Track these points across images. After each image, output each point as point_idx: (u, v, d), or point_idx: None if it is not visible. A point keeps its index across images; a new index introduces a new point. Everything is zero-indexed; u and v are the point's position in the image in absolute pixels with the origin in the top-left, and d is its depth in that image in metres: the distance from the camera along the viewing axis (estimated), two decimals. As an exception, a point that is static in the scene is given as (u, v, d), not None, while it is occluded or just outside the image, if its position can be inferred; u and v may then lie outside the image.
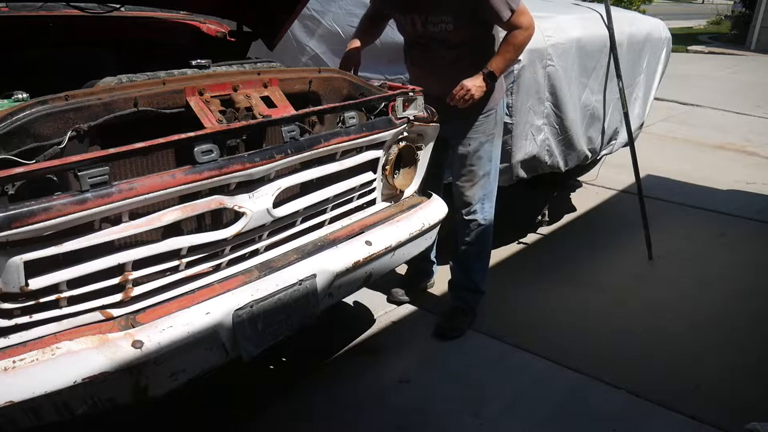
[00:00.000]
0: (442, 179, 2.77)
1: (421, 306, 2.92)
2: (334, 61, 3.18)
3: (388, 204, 2.23)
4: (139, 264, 1.49)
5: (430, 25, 2.36)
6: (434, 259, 3.00)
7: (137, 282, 1.52)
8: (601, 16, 3.32)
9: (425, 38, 2.43)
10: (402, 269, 2.98)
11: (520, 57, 2.65)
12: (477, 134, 2.55)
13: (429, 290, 3.06)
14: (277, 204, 1.73)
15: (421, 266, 2.96)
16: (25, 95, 1.61)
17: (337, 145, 1.86)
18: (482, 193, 2.63)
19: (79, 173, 1.30)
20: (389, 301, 2.94)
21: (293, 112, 1.78)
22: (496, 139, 2.62)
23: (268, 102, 1.79)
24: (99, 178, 1.32)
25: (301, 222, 1.89)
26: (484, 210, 2.65)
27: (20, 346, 1.33)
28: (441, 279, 3.02)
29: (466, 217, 2.66)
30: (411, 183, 2.28)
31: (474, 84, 2.35)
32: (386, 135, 2.04)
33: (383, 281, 2.94)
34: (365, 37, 2.63)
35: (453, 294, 2.84)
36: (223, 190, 1.60)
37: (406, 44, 2.60)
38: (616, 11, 3.49)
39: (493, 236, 2.76)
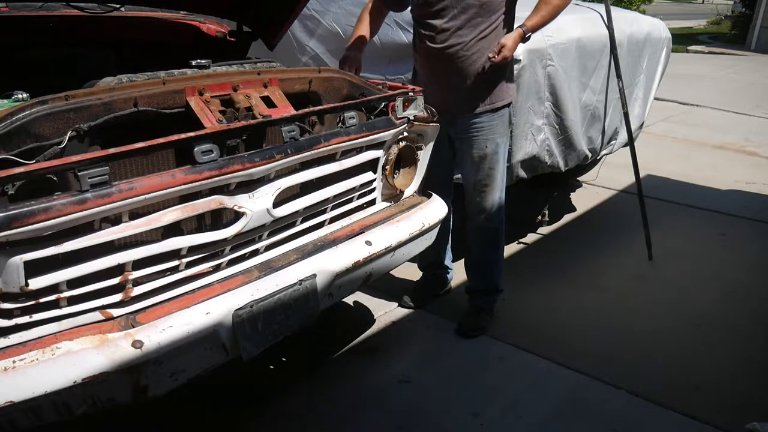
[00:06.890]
0: (452, 180, 2.71)
1: (421, 306, 2.92)
2: (334, 61, 3.18)
3: (388, 204, 2.23)
4: (139, 264, 1.50)
5: None
6: (450, 265, 2.95)
7: (137, 282, 1.52)
8: (601, 16, 3.31)
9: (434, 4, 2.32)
10: (415, 275, 2.98)
11: (520, 56, 2.66)
12: (494, 134, 2.47)
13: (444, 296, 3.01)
14: (277, 204, 1.73)
15: (437, 273, 2.93)
16: (25, 95, 1.61)
17: (337, 145, 1.86)
18: (500, 196, 2.56)
19: (79, 173, 1.30)
20: (400, 306, 2.90)
21: (293, 112, 1.78)
22: (507, 138, 2.58)
23: (268, 102, 1.78)
24: (99, 178, 1.32)
25: (301, 222, 1.89)
26: (501, 213, 2.59)
27: (20, 346, 1.34)
28: (441, 279, 3.01)
29: (486, 224, 2.59)
30: (411, 183, 2.28)
31: (510, 42, 2.29)
32: (386, 135, 2.04)
33: (391, 285, 2.95)
34: (373, 26, 2.54)
35: (472, 295, 2.79)
36: (223, 190, 1.60)
37: (415, 31, 2.52)
38: (616, 11, 3.48)
39: None
